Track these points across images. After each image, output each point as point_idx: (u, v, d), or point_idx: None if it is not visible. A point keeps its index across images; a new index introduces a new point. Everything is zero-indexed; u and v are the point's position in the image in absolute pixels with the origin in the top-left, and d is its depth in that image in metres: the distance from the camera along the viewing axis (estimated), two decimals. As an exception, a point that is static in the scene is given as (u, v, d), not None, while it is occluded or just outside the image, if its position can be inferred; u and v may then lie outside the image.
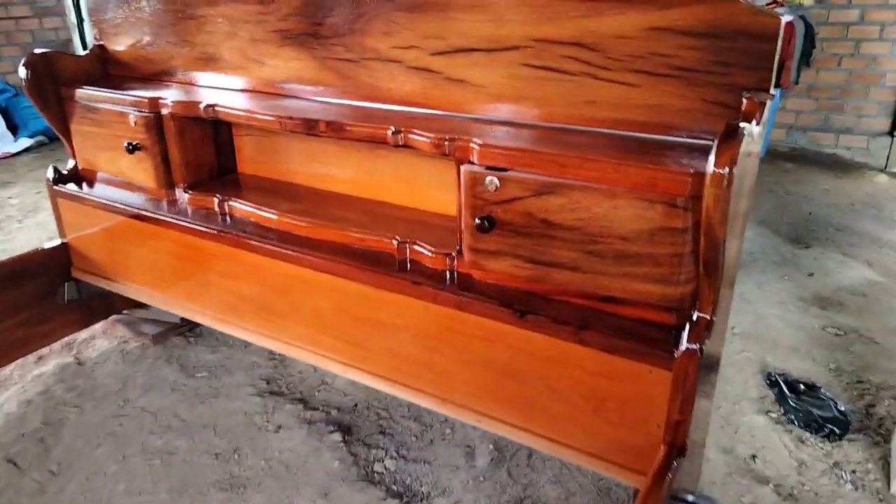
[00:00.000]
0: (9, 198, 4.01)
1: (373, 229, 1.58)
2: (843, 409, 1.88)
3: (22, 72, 1.94)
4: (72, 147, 2.09)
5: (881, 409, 1.93)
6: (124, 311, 2.39)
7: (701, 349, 1.11)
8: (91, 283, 2.16)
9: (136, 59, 2.07)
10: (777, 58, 1.13)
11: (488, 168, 1.27)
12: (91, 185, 2.10)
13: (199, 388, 2.07)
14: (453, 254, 1.42)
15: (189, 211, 1.84)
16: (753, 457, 1.78)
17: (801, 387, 1.97)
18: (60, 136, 2.09)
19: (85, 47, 2.92)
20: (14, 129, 5.15)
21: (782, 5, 4.22)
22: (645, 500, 1.10)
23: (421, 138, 1.38)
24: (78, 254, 2.14)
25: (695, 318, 1.16)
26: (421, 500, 1.65)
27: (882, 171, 4.39)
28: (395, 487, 1.70)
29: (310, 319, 1.63)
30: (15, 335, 2.05)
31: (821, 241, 3.26)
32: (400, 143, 1.42)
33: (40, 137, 5.18)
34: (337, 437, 1.86)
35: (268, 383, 2.11)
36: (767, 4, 4.25)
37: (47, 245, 2.14)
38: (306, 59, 1.70)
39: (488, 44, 1.40)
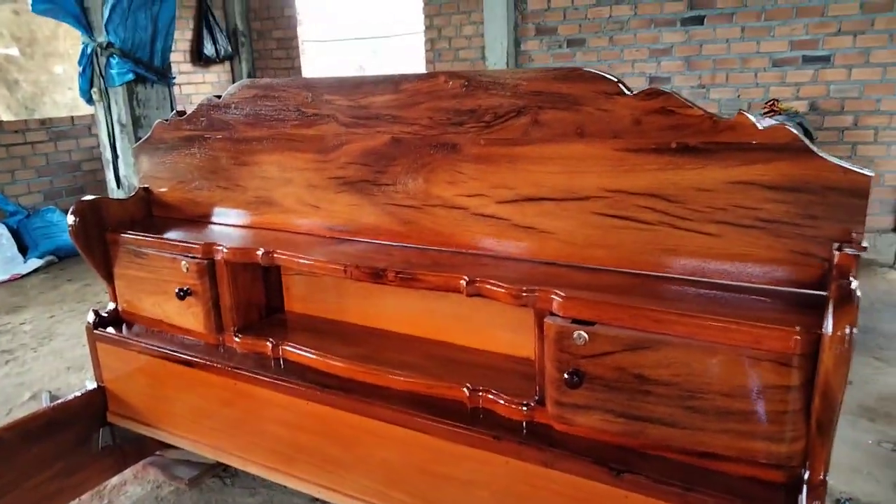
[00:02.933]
0: (21, 323, 3.94)
1: (439, 375, 1.55)
2: (929, 543, 1.80)
3: (70, 219, 1.94)
4: (113, 290, 2.07)
5: (965, 539, 1.85)
6: (157, 453, 2.29)
7: (823, 514, 1.06)
8: (127, 429, 2.08)
9: (181, 201, 2.08)
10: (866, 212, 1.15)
11: (574, 321, 1.25)
12: (130, 327, 2.06)
13: (243, 541, 1.96)
14: (532, 403, 1.38)
15: (240, 356, 1.80)
16: None
17: (878, 517, 1.89)
18: (102, 280, 2.07)
19: (119, 183, 2.97)
20: (24, 249, 5.14)
21: (779, 113, 4.41)
22: None
23: (497, 289, 1.37)
24: (115, 398, 2.07)
25: (807, 476, 1.11)
26: None
27: (891, 266, 4.45)
28: None
29: (377, 473, 1.56)
30: (48, 489, 1.94)
31: (850, 345, 3.24)
32: (474, 294, 1.41)
33: (50, 257, 5.16)
34: None
35: (314, 531, 1.99)
36: (763, 113, 4.45)
37: (84, 390, 2.07)
38: (365, 205, 1.71)
39: (560, 193, 1.42)
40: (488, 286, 1.38)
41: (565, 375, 1.26)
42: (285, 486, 2.18)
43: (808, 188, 1.18)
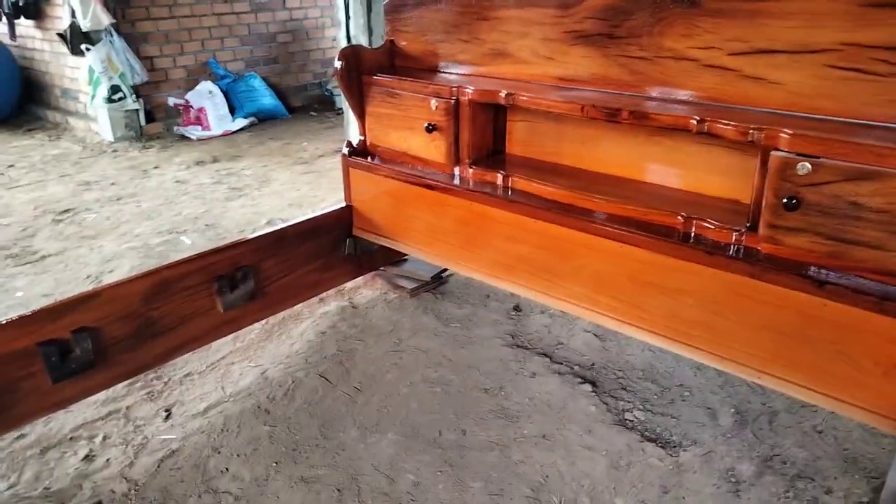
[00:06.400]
0: (242, 169, 4.63)
1: (653, 205, 1.81)
2: None
3: (337, 63, 2.34)
4: (363, 125, 2.48)
5: None
6: (382, 268, 2.79)
7: None
8: (368, 241, 2.56)
9: (422, 53, 2.42)
10: None
11: (799, 154, 1.46)
12: (374, 158, 2.48)
13: (457, 336, 2.41)
14: (742, 229, 1.63)
15: (474, 183, 2.16)
16: None
17: None
18: (355, 115, 2.49)
19: (349, 41, 3.37)
20: (232, 110, 5.86)
21: None
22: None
23: (726, 127, 1.59)
24: (360, 215, 2.54)
25: None
26: (675, 447, 1.88)
27: None
28: (648, 434, 1.93)
29: (588, 281, 1.90)
30: (311, 278, 2.47)
31: None
32: (702, 132, 1.64)
33: (252, 119, 5.86)
34: (587, 387, 2.13)
35: (512, 337, 2.41)
36: None
37: (336, 207, 2.56)
38: (596, 57, 1.95)
39: (794, 46, 1.59)
40: (718, 125, 1.61)
41: (784, 200, 1.48)
42: (484, 305, 2.61)
43: None
